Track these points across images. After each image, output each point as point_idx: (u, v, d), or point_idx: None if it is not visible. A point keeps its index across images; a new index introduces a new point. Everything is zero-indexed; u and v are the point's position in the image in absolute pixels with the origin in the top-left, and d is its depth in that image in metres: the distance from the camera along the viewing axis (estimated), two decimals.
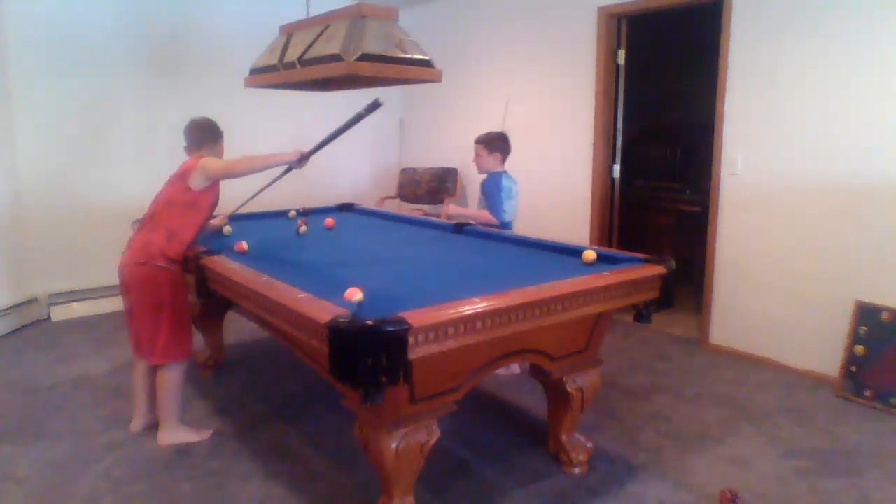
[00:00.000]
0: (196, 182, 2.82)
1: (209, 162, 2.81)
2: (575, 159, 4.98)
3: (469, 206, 5.97)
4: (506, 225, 3.65)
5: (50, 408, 3.29)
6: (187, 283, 2.94)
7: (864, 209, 3.44)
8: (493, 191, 3.65)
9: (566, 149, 5.05)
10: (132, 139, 5.14)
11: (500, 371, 3.42)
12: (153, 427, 2.98)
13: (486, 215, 3.64)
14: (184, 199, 2.84)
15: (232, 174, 2.80)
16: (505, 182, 3.68)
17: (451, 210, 3.86)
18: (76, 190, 4.93)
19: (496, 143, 3.77)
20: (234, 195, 5.62)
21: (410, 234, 3.66)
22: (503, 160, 3.79)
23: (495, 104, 5.65)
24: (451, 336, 1.86)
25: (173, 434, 2.91)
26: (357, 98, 5.35)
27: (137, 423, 3.03)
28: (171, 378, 2.88)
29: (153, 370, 2.94)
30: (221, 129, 3.14)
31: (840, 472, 2.69)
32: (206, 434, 2.97)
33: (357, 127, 4.48)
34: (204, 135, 3.06)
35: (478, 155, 3.81)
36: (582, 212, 4.96)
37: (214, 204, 3.03)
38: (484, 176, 3.82)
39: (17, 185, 4.68)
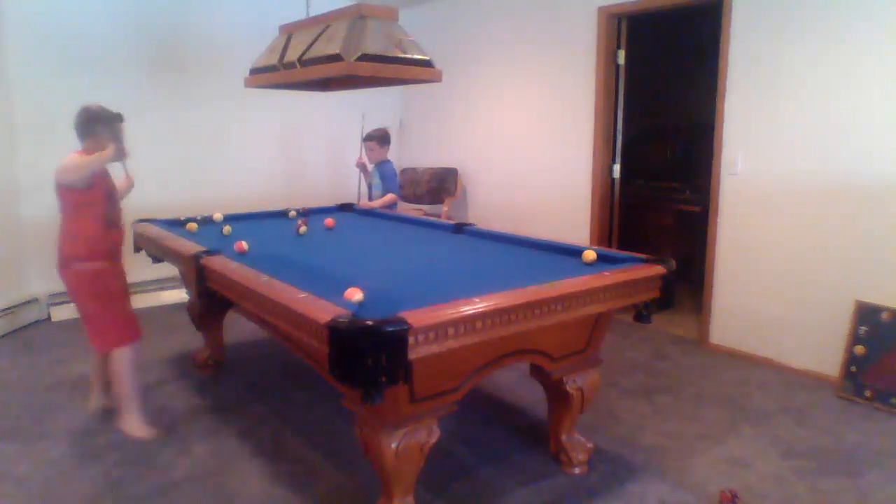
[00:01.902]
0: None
1: (63, 165, 2.80)
2: (575, 159, 4.98)
3: (467, 206, 6.01)
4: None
5: (50, 408, 3.29)
6: (118, 271, 3.04)
7: (864, 209, 3.44)
8: (389, 175, 4.70)
9: (566, 149, 5.05)
10: (132, 139, 5.11)
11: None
12: (112, 410, 3.11)
13: (390, 197, 4.63)
14: (72, 200, 2.83)
15: (70, 182, 2.78)
16: (395, 167, 4.81)
17: (361, 204, 4.70)
18: None
19: (385, 139, 4.73)
20: (238, 193, 5.62)
21: (410, 234, 3.66)
22: (388, 150, 4.79)
23: (495, 104, 5.66)
24: (451, 336, 1.86)
25: (130, 423, 3.00)
26: (357, 98, 5.38)
27: (94, 403, 3.19)
28: (121, 364, 2.96)
29: (105, 359, 3.05)
30: (114, 113, 3.05)
31: (840, 472, 2.69)
32: (152, 433, 2.98)
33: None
34: (79, 126, 3.01)
35: (370, 150, 4.71)
36: (582, 212, 4.96)
37: (108, 193, 2.99)
38: (372, 166, 4.81)
39: (16, 185, 4.68)
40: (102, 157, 2.78)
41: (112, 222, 3.00)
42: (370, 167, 4.83)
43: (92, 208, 2.89)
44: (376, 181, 4.74)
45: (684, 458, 2.79)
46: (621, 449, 2.88)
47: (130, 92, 5.08)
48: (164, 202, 5.15)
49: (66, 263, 2.89)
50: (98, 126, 2.99)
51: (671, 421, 3.17)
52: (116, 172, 3.09)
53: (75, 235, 2.88)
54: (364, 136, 4.74)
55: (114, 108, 3.11)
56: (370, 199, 4.81)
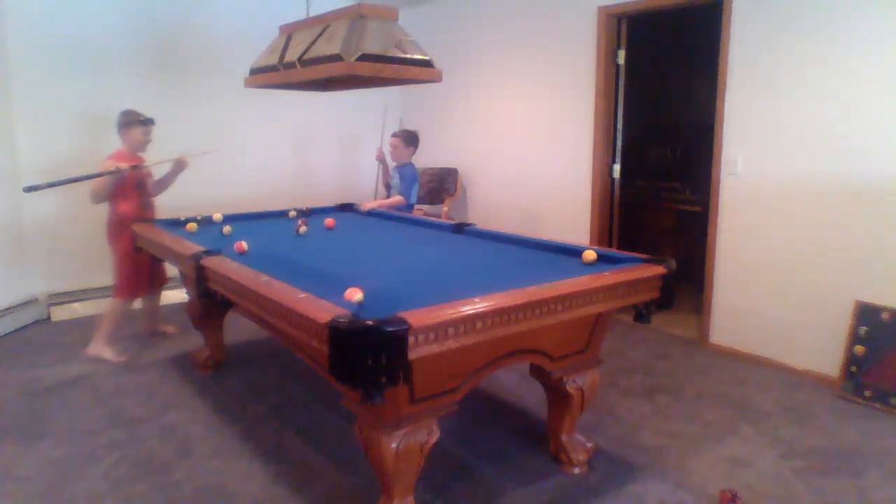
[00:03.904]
0: None
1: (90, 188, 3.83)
2: (575, 159, 4.98)
3: (467, 206, 6.01)
4: (411, 207, 4.52)
5: (50, 408, 3.29)
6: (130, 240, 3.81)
7: (864, 209, 3.44)
8: (407, 178, 4.49)
9: (566, 149, 5.05)
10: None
11: None
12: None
13: (396, 200, 4.47)
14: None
15: (95, 202, 3.92)
16: (416, 171, 4.56)
17: (365, 206, 4.51)
18: (76, 190, 4.92)
19: (412, 140, 4.54)
20: (238, 194, 5.62)
21: (410, 233, 3.66)
22: (414, 153, 4.58)
23: (495, 104, 5.66)
24: (451, 336, 1.86)
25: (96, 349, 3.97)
26: (357, 98, 5.39)
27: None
28: (112, 307, 3.99)
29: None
30: (133, 118, 4.01)
31: (840, 472, 2.70)
32: (119, 357, 3.94)
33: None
34: (117, 128, 4.02)
35: (394, 147, 4.52)
36: (582, 212, 4.96)
37: (136, 184, 3.98)
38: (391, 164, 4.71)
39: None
40: (102, 183, 3.77)
41: (145, 204, 4.07)
42: (391, 165, 4.70)
43: (120, 194, 3.89)
44: (395, 182, 4.61)
45: (684, 458, 2.79)
46: (621, 449, 2.88)
47: (131, 92, 5.07)
48: (164, 202, 5.15)
49: (108, 226, 3.97)
50: (120, 129, 4.00)
51: (671, 421, 3.17)
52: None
53: (116, 211, 3.92)
54: (393, 131, 4.58)
55: (119, 108, 4.00)
56: (388, 198, 4.66)
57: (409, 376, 1.86)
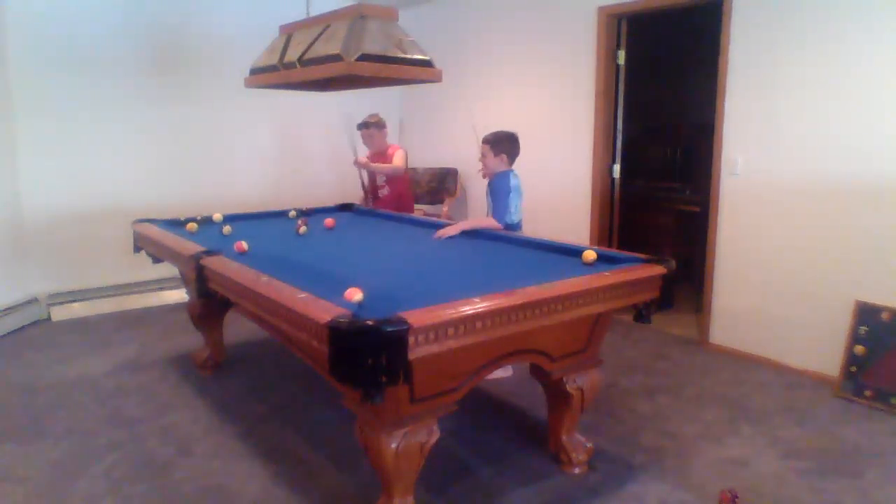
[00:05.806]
0: None
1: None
2: (575, 159, 4.98)
3: (467, 206, 5.99)
4: (514, 226, 3.51)
5: (50, 408, 3.29)
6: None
7: (864, 209, 3.44)
8: (500, 193, 3.48)
9: (566, 149, 5.05)
10: (132, 139, 5.14)
11: (492, 376, 3.01)
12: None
13: (490, 222, 3.47)
14: None
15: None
16: (513, 181, 3.52)
17: (447, 232, 3.45)
18: (76, 190, 4.94)
19: (500, 145, 3.55)
20: (238, 194, 5.61)
21: (410, 234, 3.66)
22: (510, 161, 3.58)
23: (495, 104, 5.66)
24: (451, 336, 1.86)
25: None
26: (357, 98, 5.38)
27: None
28: None
29: None
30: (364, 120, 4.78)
31: (840, 472, 2.69)
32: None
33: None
34: None
35: (483, 156, 3.61)
36: (582, 212, 4.96)
37: (367, 173, 4.85)
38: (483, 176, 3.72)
39: (17, 184, 4.68)
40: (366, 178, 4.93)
41: (369, 190, 4.86)
42: (485, 178, 3.72)
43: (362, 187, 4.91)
44: (489, 199, 3.63)
45: (684, 458, 2.79)
46: (621, 449, 2.88)
47: (131, 92, 5.09)
48: (164, 202, 5.16)
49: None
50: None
51: (671, 421, 3.17)
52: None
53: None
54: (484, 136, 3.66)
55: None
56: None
57: (409, 376, 1.86)
